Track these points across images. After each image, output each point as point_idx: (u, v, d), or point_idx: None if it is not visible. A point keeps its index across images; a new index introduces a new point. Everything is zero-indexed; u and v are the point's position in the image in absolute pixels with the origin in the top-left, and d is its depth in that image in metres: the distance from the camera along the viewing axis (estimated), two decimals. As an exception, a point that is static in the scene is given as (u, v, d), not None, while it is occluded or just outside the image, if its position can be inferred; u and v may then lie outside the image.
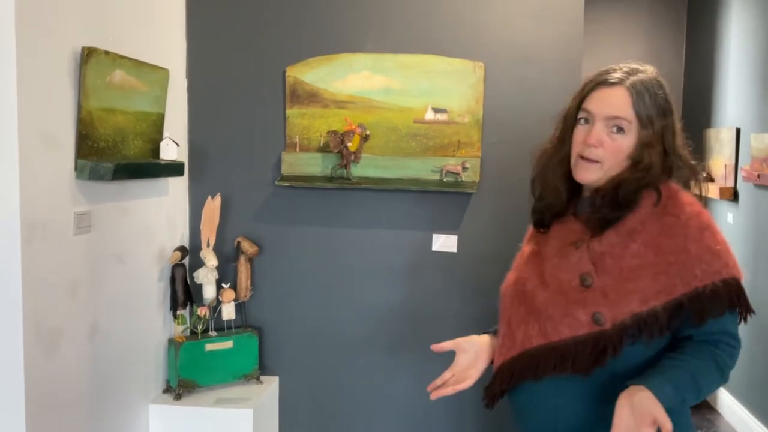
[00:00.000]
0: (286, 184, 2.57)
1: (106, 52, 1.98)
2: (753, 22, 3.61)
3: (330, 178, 2.57)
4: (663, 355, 1.28)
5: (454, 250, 2.63)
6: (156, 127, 2.33)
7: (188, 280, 2.56)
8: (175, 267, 2.50)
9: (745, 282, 1.29)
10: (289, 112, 2.62)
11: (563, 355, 1.28)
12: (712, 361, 1.26)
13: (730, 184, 3.75)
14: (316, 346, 2.71)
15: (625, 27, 4.52)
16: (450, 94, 2.55)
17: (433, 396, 1.45)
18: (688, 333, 1.28)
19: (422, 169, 2.56)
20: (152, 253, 2.42)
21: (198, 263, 2.59)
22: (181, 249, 2.53)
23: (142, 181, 2.31)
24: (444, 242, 2.63)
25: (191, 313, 2.59)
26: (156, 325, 2.48)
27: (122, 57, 2.06)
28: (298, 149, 2.62)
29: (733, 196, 3.73)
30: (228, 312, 2.58)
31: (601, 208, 1.32)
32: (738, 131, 3.69)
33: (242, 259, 2.61)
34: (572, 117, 1.38)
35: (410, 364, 2.68)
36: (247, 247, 2.60)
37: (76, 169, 1.93)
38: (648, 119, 1.32)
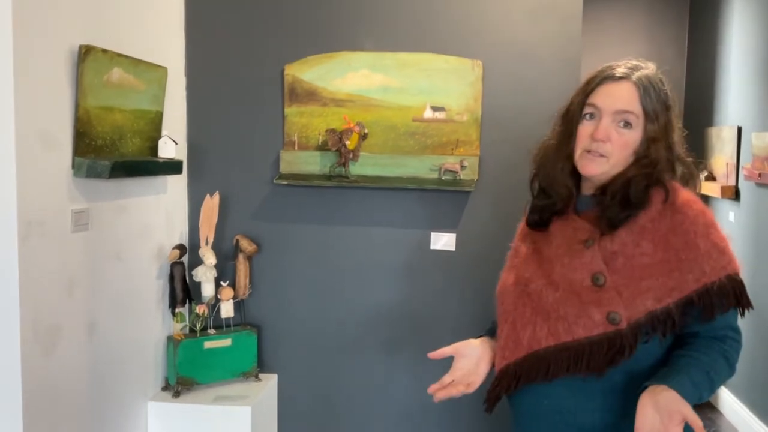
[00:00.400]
0: (285, 182, 2.57)
1: (104, 51, 1.98)
2: (755, 21, 3.60)
3: (328, 177, 2.57)
4: (674, 353, 1.29)
5: (453, 248, 2.62)
6: (154, 125, 2.34)
7: (187, 278, 2.56)
8: (173, 265, 2.51)
9: (746, 280, 1.30)
10: (287, 110, 2.62)
11: (577, 355, 1.28)
12: (721, 357, 1.27)
13: (732, 182, 3.75)
14: (314, 344, 2.72)
15: (626, 26, 4.51)
16: (448, 92, 2.55)
17: (439, 397, 1.43)
18: (695, 329, 1.29)
19: (421, 167, 2.56)
20: (151, 250, 2.43)
21: (197, 261, 2.59)
22: (180, 247, 2.54)
23: (141, 179, 2.31)
24: (442, 241, 2.63)
25: (190, 311, 2.60)
26: (155, 323, 2.49)
27: (120, 55, 2.07)
28: (296, 147, 2.62)
29: (735, 194, 3.72)
30: (227, 310, 2.59)
31: (613, 207, 1.31)
32: (739, 130, 3.68)
33: (241, 257, 2.61)
34: (577, 112, 1.37)
35: (408, 361, 2.68)
36: (246, 245, 2.60)
37: (73, 166, 1.94)
38: (654, 114, 1.32)
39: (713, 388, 1.26)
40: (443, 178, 2.53)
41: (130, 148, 2.20)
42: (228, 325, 2.62)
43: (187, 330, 2.59)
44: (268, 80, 2.63)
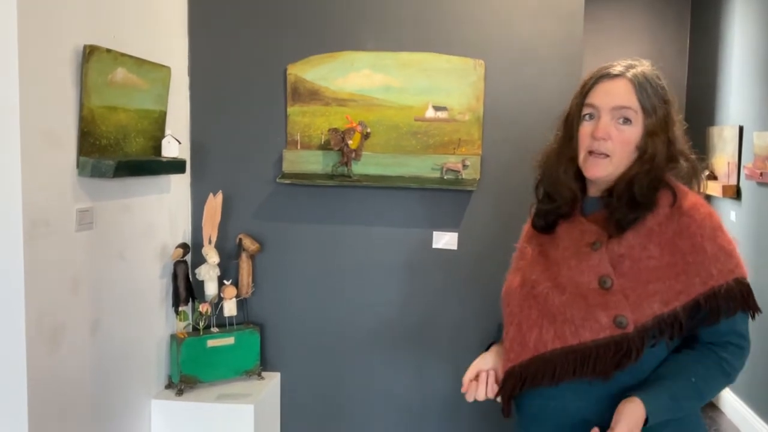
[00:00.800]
0: (288, 181, 2.58)
1: (108, 50, 1.99)
2: (756, 21, 3.60)
3: (331, 176, 2.58)
4: (668, 358, 1.29)
5: (455, 247, 2.63)
6: (158, 124, 2.35)
7: (190, 276, 2.58)
8: (177, 264, 2.52)
9: (749, 280, 1.30)
10: (290, 109, 2.63)
11: (583, 358, 1.27)
12: (716, 365, 1.27)
13: (733, 182, 3.75)
14: (317, 343, 2.73)
15: (627, 25, 4.51)
16: (450, 92, 2.56)
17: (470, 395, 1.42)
18: (699, 333, 1.29)
19: (423, 166, 2.56)
20: (154, 249, 2.44)
21: (200, 260, 2.60)
22: (183, 246, 2.55)
23: (144, 178, 2.32)
24: (444, 240, 2.64)
25: (193, 310, 2.61)
26: (158, 322, 2.50)
27: (124, 55, 2.08)
28: (299, 147, 2.63)
29: (736, 194, 3.72)
30: (229, 308, 2.60)
31: (621, 208, 1.31)
32: (741, 129, 3.68)
33: (244, 256, 2.62)
34: (576, 114, 1.38)
35: (410, 360, 2.69)
36: (249, 244, 2.61)
37: (78, 166, 1.95)
38: (652, 108, 1.32)
39: (703, 397, 1.27)
40: (445, 178, 2.54)
41: (134, 148, 2.21)
42: (231, 324, 2.63)
43: (190, 328, 2.60)
44: (270, 80, 2.64)
